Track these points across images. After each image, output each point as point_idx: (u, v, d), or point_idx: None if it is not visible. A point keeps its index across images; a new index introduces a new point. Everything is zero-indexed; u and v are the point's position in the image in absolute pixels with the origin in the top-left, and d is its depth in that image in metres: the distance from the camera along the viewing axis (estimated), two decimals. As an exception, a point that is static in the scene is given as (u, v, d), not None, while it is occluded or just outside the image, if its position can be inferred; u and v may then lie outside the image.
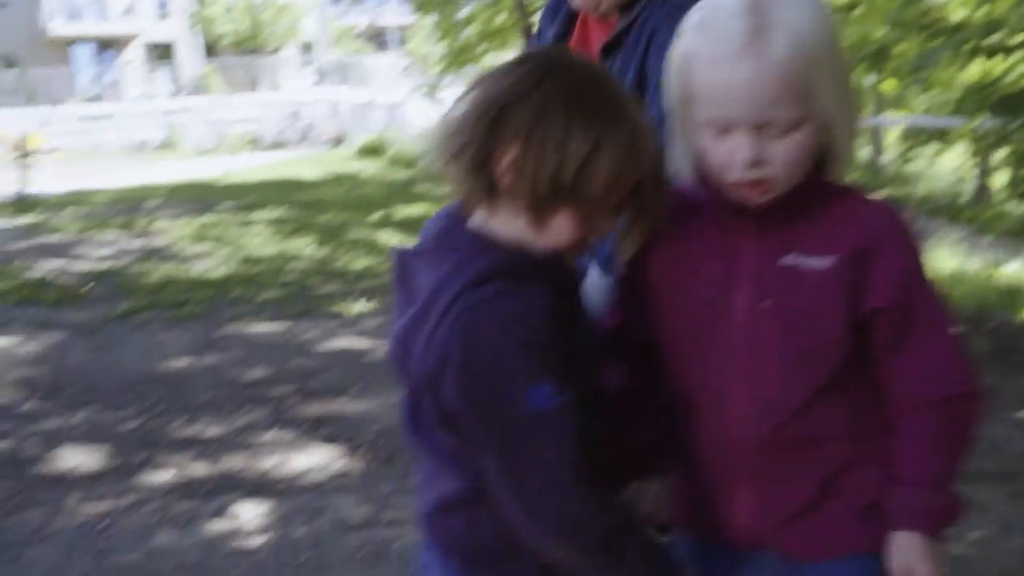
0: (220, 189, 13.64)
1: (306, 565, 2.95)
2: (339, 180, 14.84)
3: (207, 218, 10.20)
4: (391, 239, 8.88)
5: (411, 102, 19.85)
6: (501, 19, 13.41)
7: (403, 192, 13.02)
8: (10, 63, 28.13)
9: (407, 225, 9.67)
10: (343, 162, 18.30)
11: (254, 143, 24.37)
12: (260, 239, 8.80)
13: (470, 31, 13.95)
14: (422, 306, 1.18)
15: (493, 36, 13.62)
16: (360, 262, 7.79)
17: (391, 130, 20.88)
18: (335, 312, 6.10)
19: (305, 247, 8.39)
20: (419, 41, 28.86)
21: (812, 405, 1.24)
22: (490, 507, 1.19)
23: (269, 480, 3.58)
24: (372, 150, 19.75)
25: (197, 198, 12.16)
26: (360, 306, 6.33)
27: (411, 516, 1.62)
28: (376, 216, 10.53)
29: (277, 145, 24.25)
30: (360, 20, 50.29)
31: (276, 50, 33.14)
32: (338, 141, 23.44)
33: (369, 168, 16.98)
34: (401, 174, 15.61)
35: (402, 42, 40.55)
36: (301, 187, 13.75)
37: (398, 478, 3.47)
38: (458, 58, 14.11)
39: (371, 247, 8.49)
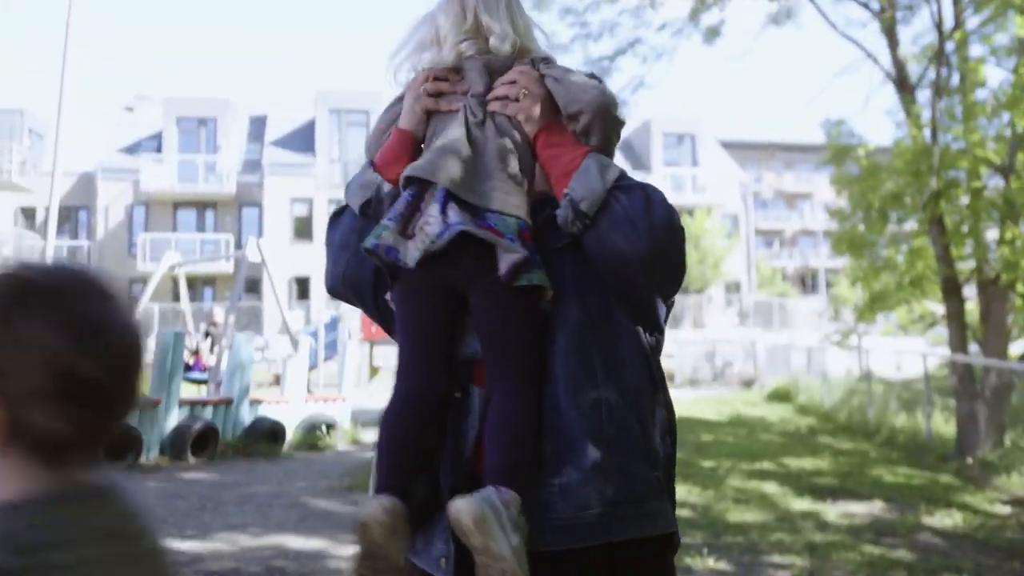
0: (625, 423, 13.97)
1: None
2: (740, 423, 14.79)
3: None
4: (775, 491, 8.62)
5: (829, 348, 19.46)
6: (920, 267, 12.76)
7: (802, 442, 12.74)
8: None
9: (795, 478, 9.34)
10: (750, 405, 18.25)
11: (669, 379, 24.74)
12: (635, 483, 8.64)
13: (887, 278, 13.30)
14: None
15: (911, 285, 12.94)
16: (733, 513, 7.55)
17: (806, 376, 20.37)
18: (685, 566, 5.74)
19: (678, 492, 8.22)
20: (844, 285, 28.01)
21: None
22: None
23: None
24: (782, 395, 19.51)
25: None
26: (713, 562, 6.04)
27: None
28: (765, 466, 10.29)
29: (691, 383, 24.53)
30: (790, 262, 52.34)
31: (702, 289, 33.84)
32: (751, 383, 23.49)
33: (775, 413, 16.83)
34: (807, 422, 15.38)
35: (829, 285, 40.65)
36: (699, 427, 13.75)
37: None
38: (873, 305, 13.47)
39: (750, 498, 8.25)
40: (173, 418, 8.98)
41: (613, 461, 1.56)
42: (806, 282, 53.61)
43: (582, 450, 1.55)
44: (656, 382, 1.70)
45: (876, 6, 12.74)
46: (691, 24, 14.74)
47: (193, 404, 9.50)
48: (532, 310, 1.61)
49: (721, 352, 26.46)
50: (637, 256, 1.55)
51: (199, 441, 9.04)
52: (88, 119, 38.03)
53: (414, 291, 1.65)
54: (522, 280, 1.56)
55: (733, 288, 36.30)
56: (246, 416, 9.91)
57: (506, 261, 1.56)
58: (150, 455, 8.71)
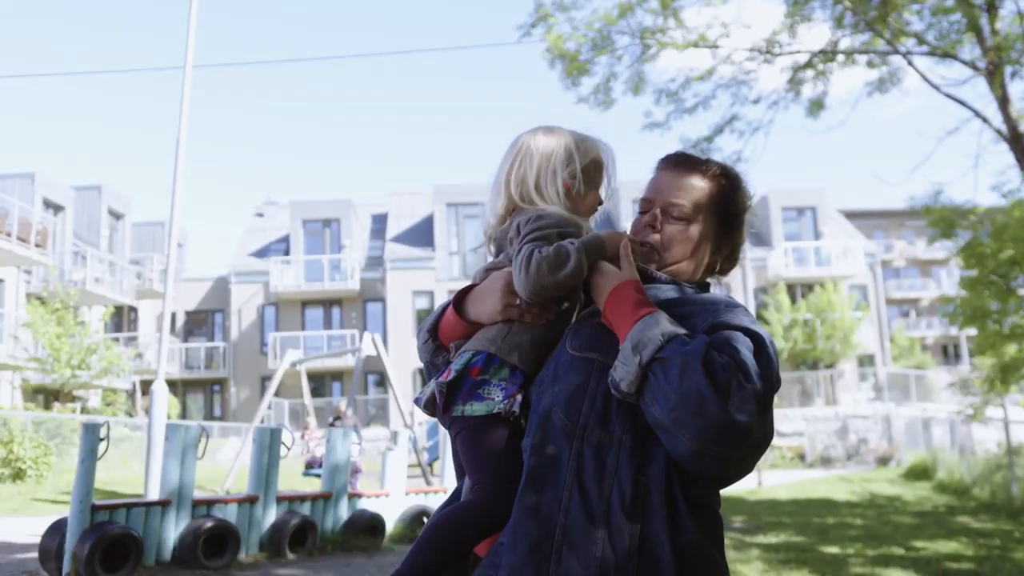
0: (746, 504, 13.42)
1: None
2: (872, 504, 14.07)
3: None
4: (897, 580, 7.94)
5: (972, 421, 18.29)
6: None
7: (938, 523, 11.94)
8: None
9: (922, 564, 8.57)
10: (885, 484, 17.42)
11: (800, 458, 24.00)
12: (747, 568, 8.17)
13: (1017, 346, 12.18)
14: None
15: None
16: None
17: (946, 451, 19.09)
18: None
19: (791, 583, 7.57)
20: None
21: None
22: None
23: None
24: (919, 472, 18.53)
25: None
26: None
27: None
28: (892, 550, 9.60)
29: (824, 461, 23.79)
30: (929, 332, 50.60)
31: (832, 364, 32.88)
32: (887, 460, 22.52)
33: (912, 492, 16.01)
34: (945, 500, 14.58)
35: (972, 354, 39.09)
36: (826, 508, 13.17)
37: None
38: (1003, 376, 12.40)
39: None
40: (271, 514, 9.09)
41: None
42: (947, 352, 50.94)
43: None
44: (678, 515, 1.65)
45: (982, 64, 12.25)
46: (790, 96, 14.49)
47: (291, 499, 9.59)
48: (481, 434, 1.79)
49: (854, 428, 25.27)
50: (678, 427, 1.58)
51: (297, 536, 9.10)
52: (225, 226, 40.11)
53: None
54: (454, 411, 1.81)
55: (866, 361, 34.75)
56: (344, 510, 9.95)
57: (438, 395, 1.82)
58: (248, 552, 8.79)
